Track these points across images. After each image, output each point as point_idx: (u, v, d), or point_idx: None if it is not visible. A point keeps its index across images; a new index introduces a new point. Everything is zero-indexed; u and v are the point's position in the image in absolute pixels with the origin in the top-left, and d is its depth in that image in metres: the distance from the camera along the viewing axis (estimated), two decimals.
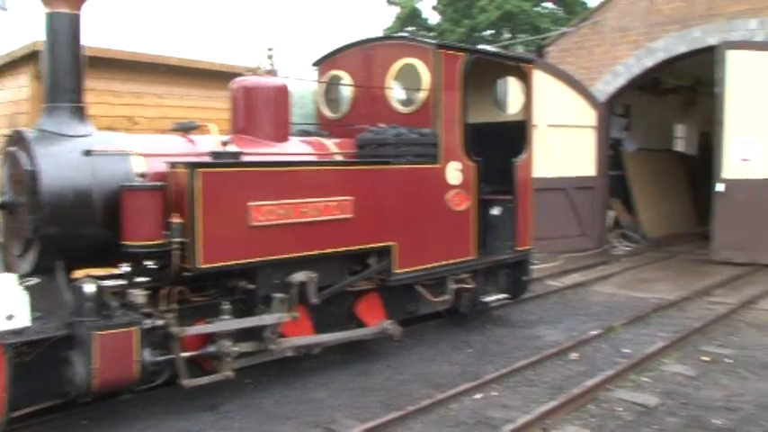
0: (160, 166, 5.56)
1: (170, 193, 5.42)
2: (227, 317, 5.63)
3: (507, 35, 32.05)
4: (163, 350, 5.34)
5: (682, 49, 14.14)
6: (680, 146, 21.31)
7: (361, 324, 6.87)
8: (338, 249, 6.25)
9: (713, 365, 6.89)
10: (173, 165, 5.49)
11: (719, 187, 13.07)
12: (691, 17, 13.91)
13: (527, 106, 8.54)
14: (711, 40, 13.56)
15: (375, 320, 6.92)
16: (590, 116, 14.82)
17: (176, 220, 5.24)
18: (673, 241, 16.34)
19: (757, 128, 12.68)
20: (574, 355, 7.17)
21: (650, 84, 17.72)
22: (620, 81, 15.05)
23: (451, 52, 7.39)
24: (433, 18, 35.79)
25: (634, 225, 16.57)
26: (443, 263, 7.24)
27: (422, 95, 7.24)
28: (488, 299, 8.10)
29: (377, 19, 62.90)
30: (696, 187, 18.94)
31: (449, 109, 7.25)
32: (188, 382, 5.46)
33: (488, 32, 33.37)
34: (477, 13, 32.58)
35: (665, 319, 8.81)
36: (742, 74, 12.83)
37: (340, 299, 6.68)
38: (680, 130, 21.41)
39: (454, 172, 7.29)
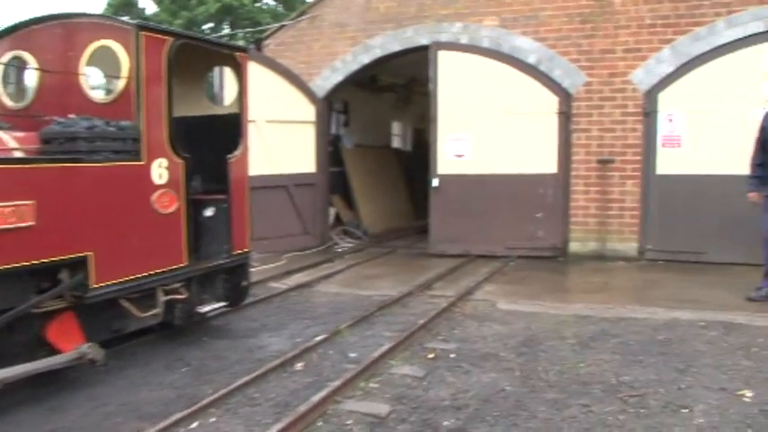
0: None
1: None
2: None
3: (227, 29, 31.39)
4: None
5: (396, 47, 14.36)
6: (396, 142, 22.07)
7: (54, 351, 5.82)
8: (16, 265, 5.18)
9: (438, 362, 6.77)
10: None
11: (435, 182, 13.52)
12: (404, 17, 14.17)
13: (241, 98, 7.92)
14: (423, 40, 13.92)
15: (72, 345, 5.89)
16: (309, 112, 14.60)
17: None
18: (393, 236, 16.71)
19: (467, 125, 13.29)
20: (299, 365, 6.68)
21: (368, 81, 18.01)
22: (338, 77, 14.96)
23: (155, 35, 6.56)
24: (150, 8, 34.25)
25: (355, 221, 16.70)
26: (150, 273, 6.40)
27: (121, 84, 6.34)
28: (205, 309, 7.36)
29: (88, 4, 58.79)
30: (412, 183, 19.62)
31: (152, 99, 6.42)
32: None
33: (208, 26, 32.60)
34: (196, 4, 31.64)
35: (390, 317, 8.67)
36: (451, 73, 13.37)
37: (25, 323, 5.59)
38: (396, 127, 22.17)
39: (160, 170, 6.46)
